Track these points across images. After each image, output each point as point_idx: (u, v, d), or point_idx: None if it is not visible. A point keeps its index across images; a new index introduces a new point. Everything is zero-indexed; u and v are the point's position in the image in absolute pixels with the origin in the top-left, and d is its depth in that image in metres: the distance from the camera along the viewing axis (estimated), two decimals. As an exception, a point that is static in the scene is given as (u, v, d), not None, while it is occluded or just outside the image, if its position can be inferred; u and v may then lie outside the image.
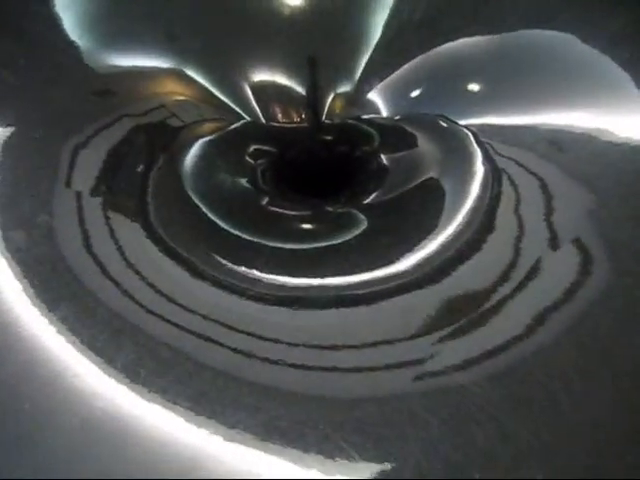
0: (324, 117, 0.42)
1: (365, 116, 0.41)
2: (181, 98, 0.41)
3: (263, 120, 0.42)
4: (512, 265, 0.28)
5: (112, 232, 0.31)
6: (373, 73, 0.41)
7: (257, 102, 0.42)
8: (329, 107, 0.42)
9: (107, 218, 0.31)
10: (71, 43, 0.37)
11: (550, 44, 0.37)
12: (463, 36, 0.38)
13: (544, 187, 0.32)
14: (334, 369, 0.24)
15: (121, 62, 0.39)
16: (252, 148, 0.42)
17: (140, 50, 0.40)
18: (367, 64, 0.41)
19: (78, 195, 0.31)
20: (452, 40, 0.39)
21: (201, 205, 0.36)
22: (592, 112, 0.34)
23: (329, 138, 0.43)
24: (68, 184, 0.32)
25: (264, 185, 0.41)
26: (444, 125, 0.38)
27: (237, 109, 0.41)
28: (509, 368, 0.23)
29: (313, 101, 0.42)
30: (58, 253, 0.28)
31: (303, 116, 0.43)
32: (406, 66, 0.40)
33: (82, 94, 0.37)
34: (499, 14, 0.38)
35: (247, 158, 0.42)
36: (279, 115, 0.44)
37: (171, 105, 0.40)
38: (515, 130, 0.35)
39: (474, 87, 0.38)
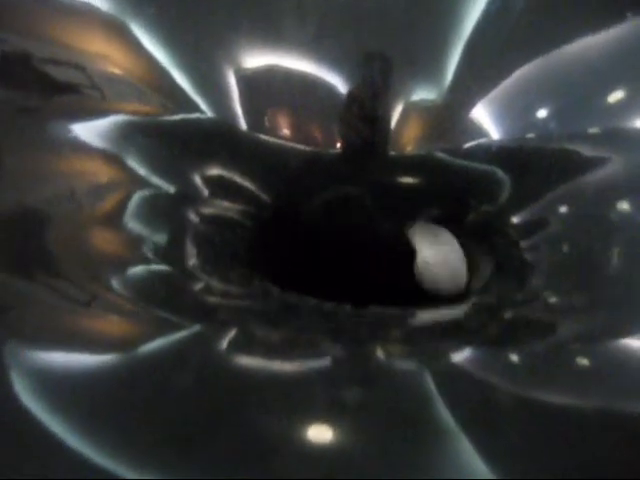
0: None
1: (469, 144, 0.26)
2: (113, 69, 0.26)
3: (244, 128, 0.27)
4: None
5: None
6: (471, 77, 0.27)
7: (243, 102, 0.27)
8: (397, 128, 0.27)
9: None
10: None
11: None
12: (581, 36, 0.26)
13: None
14: None
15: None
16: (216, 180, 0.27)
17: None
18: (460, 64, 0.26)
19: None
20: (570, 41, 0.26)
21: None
22: None
23: (400, 181, 0.28)
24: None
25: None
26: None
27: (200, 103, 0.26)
28: None
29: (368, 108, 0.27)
30: None
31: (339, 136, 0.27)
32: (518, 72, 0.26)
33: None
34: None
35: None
36: (285, 129, 0.27)
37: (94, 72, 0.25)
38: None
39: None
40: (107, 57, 0.25)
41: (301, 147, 0.27)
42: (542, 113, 0.26)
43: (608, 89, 0.25)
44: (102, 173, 0.24)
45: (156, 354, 0.19)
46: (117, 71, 0.25)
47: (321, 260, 0.27)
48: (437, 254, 0.26)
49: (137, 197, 0.24)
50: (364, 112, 0.27)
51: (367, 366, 0.20)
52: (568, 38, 0.25)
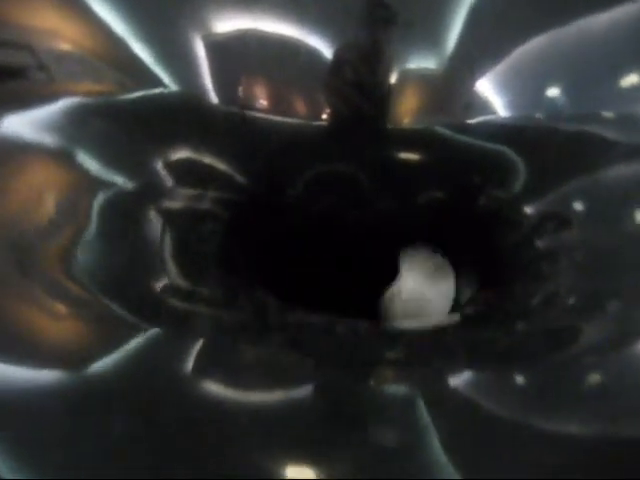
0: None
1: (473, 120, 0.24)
2: (61, 45, 0.23)
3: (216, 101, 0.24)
4: None
5: None
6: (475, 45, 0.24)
7: (213, 72, 0.24)
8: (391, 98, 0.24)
9: None
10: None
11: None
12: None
13: None
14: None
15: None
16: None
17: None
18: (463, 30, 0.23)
19: None
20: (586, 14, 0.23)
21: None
22: None
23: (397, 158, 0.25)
24: None
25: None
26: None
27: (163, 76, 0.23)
28: None
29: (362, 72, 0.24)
30: None
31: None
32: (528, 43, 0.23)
33: None
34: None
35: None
36: (262, 101, 0.25)
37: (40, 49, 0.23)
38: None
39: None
40: (54, 31, 0.23)
41: (282, 120, 0.24)
42: (552, 90, 0.23)
43: (623, 68, 0.22)
44: (49, 171, 0.21)
45: (110, 369, 0.17)
46: (66, 47, 0.23)
47: (307, 252, 0.24)
48: (415, 289, 0.23)
49: (95, 194, 0.21)
50: (356, 77, 0.24)
51: (355, 394, 0.18)
52: (584, 10, 0.22)
